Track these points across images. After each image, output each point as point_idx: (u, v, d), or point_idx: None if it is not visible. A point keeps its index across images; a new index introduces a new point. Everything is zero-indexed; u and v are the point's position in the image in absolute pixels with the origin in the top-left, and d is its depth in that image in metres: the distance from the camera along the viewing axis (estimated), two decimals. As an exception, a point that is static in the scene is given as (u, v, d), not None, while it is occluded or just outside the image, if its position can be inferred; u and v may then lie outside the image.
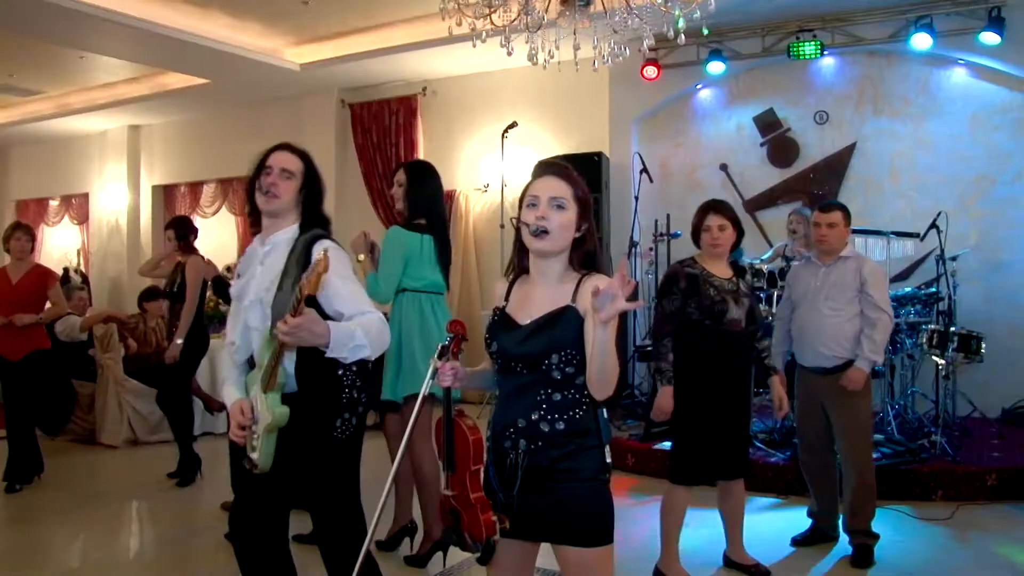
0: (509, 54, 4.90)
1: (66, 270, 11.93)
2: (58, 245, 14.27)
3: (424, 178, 4.40)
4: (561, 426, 2.22)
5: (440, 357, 2.26)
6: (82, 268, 13.12)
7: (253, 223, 2.93)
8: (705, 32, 5.01)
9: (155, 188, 12.92)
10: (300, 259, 2.70)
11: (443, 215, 4.43)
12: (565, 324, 2.21)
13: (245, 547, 2.81)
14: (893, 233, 6.38)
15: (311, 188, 2.90)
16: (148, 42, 8.81)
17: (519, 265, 2.37)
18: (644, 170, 8.24)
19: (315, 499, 2.93)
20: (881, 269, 4.57)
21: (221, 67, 9.69)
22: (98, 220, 13.18)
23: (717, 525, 4.32)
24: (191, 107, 11.71)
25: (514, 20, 4.77)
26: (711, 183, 8.51)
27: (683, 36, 4.74)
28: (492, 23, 4.82)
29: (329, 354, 2.54)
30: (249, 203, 2.89)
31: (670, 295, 3.97)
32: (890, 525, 4.85)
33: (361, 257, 4.27)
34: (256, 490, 2.79)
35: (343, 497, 2.93)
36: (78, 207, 13.90)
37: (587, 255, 2.29)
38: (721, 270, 4.02)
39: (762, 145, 8.41)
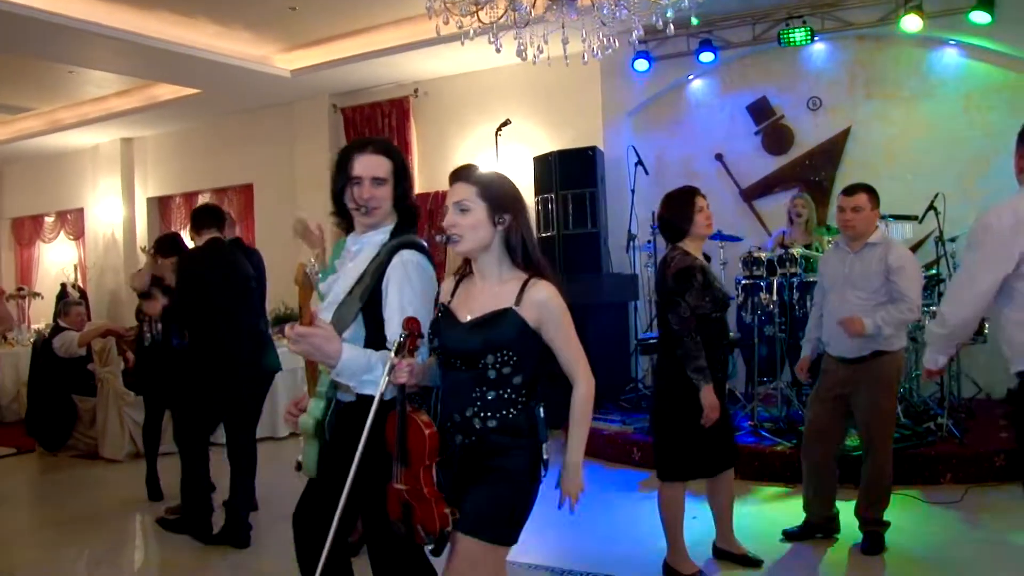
0: (498, 51, 4.88)
1: (63, 286, 11.90)
2: (55, 262, 14.24)
3: None
4: (493, 424, 2.34)
5: (396, 354, 2.26)
6: (79, 283, 13.08)
7: (341, 223, 2.78)
8: (695, 22, 4.97)
9: (150, 200, 12.89)
10: (380, 268, 2.56)
11: None
12: (504, 325, 2.33)
13: (303, 550, 2.74)
14: (891, 216, 6.33)
15: (402, 184, 2.72)
16: (136, 54, 8.78)
17: (466, 264, 2.49)
18: (639, 163, 8.21)
19: (366, 508, 2.80)
20: (911, 256, 4.34)
21: (211, 76, 9.65)
22: (94, 234, 13.13)
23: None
24: (183, 118, 11.67)
25: (501, 17, 4.74)
26: (707, 173, 8.48)
27: (672, 26, 4.70)
28: (480, 21, 4.78)
29: (334, 377, 2.46)
30: (335, 205, 2.74)
31: (691, 290, 3.82)
32: (899, 510, 4.82)
33: (315, 254, 3.93)
34: (313, 494, 2.74)
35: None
36: (73, 222, 13.87)
37: (523, 250, 2.39)
38: (701, 257, 3.99)
39: (756, 133, 8.39)
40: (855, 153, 7.98)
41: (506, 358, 2.32)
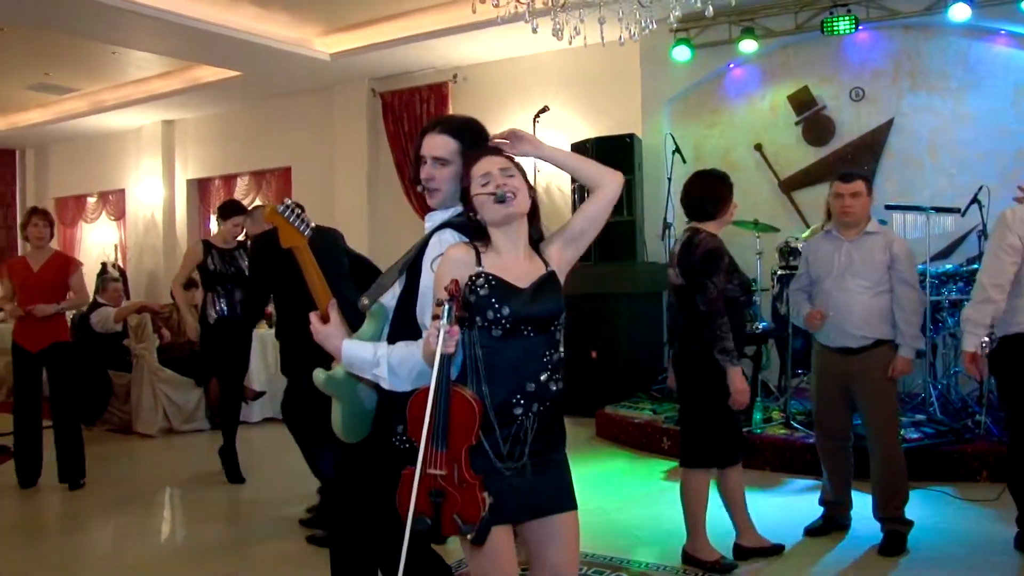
0: (534, 31, 4.83)
1: (104, 265, 12.06)
2: (97, 242, 14.44)
3: None
4: (562, 385, 2.34)
5: (446, 320, 2.11)
6: (119, 263, 13.26)
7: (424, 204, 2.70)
8: (733, 2, 4.87)
9: (189, 182, 13.01)
10: (424, 242, 2.46)
11: None
12: (557, 286, 2.37)
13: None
14: (933, 209, 6.19)
15: None
16: (178, 35, 8.86)
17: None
18: (677, 150, 8.12)
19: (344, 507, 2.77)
20: (909, 245, 4.30)
21: (251, 59, 9.71)
22: (134, 215, 13.31)
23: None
24: (223, 100, 11.76)
25: (539, -4, 4.69)
26: (745, 164, 8.36)
27: (711, 8, 4.62)
28: (517, 0, 4.74)
29: (347, 369, 2.43)
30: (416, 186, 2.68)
31: (719, 271, 3.76)
32: (931, 507, 4.73)
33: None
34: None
35: (372, 507, 2.69)
36: (115, 203, 14.05)
37: (535, 226, 2.42)
38: None
39: (797, 124, 8.25)
40: (897, 145, 7.81)
41: (563, 317, 2.38)
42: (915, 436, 5.42)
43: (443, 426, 2.14)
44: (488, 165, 2.34)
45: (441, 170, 2.52)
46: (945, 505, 4.85)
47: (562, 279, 2.42)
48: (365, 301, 2.51)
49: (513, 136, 2.42)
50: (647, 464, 6.09)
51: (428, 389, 2.14)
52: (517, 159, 2.39)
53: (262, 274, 4.83)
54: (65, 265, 5.88)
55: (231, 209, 5.95)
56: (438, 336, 2.08)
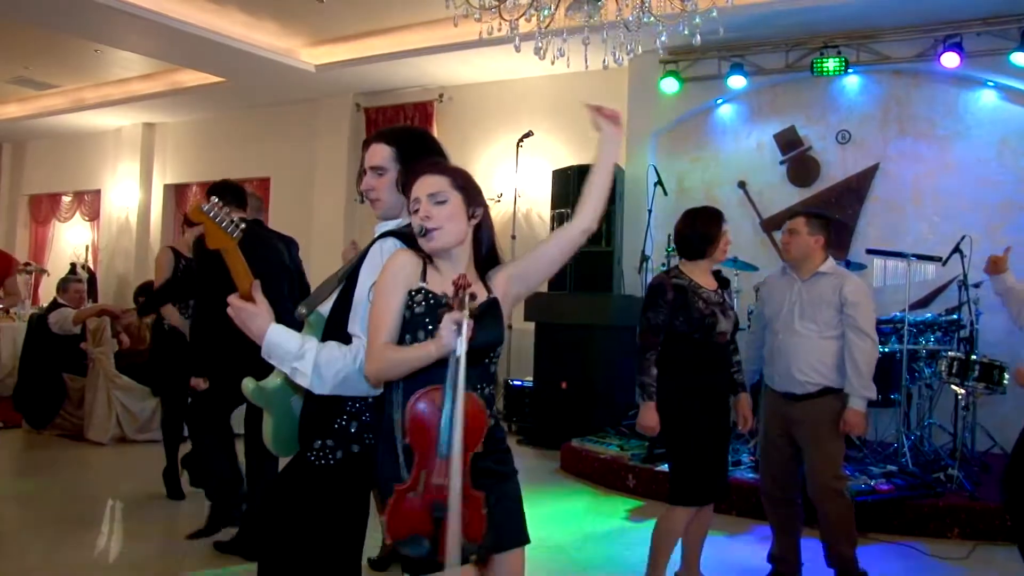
0: (517, 49, 4.70)
1: (73, 265, 11.81)
2: (69, 241, 14.20)
3: None
4: (492, 421, 2.15)
5: (461, 311, 1.93)
6: (90, 265, 13.01)
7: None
8: (721, 31, 4.76)
9: (167, 187, 12.84)
10: (364, 252, 2.36)
11: None
12: (499, 315, 2.18)
13: None
14: (914, 256, 6.11)
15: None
16: (163, 36, 8.73)
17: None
18: (659, 182, 8.02)
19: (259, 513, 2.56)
20: (865, 288, 4.10)
21: (236, 65, 9.58)
22: (108, 217, 13.10)
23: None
24: (206, 106, 11.63)
25: (522, 15, 4.57)
26: (728, 201, 8.26)
27: (699, 37, 4.51)
28: (501, 17, 4.61)
29: (264, 356, 2.24)
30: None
31: (655, 307, 3.71)
32: (899, 562, 4.58)
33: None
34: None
35: (279, 536, 2.40)
36: (90, 204, 13.84)
37: (488, 252, 2.28)
38: (708, 281, 3.80)
39: (782, 163, 8.17)
40: (881, 190, 7.73)
41: (498, 351, 2.20)
42: (885, 487, 5.27)
43: (453, 431, 1.91)
44: (420, 189, 2.19)
45: (379, 179, 2.43)
46: (914, 561, 4.69)
47: (506, 311, 2.23)
48: (303, 310, 2.37)
49: (616, 117, 2.39)
50: (611, 502, 5.90)
51: (434, 389, 1.97)
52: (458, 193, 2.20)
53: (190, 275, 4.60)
54: (3, 265, 5.48)
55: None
56: (455, 331, 1.90)
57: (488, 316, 2.11)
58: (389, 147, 2.44)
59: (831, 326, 3.97)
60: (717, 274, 3.93)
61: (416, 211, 2.16)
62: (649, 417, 3.66)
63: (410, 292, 2.12)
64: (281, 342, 2.18)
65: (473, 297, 1.95)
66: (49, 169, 14.19)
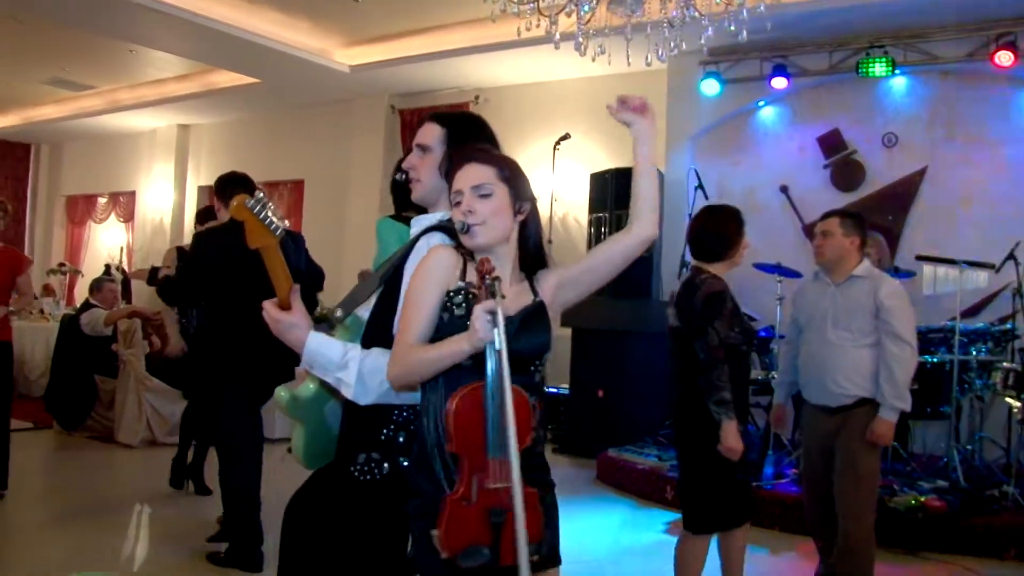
0: (556, 47, 4.55)
1: (107, 267, 11.83)
2: (105, 243, 14.27)
3: None
4: (541, 432, 1.99)
5: (492, 299, 1.77)
6: (124, 266, 13.04)
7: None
8: (768, 26, 4.58)
9: (201, 189, 12.85)
10: (408, 248, 2.18)
11: None
12: (546, 321, 1.99)
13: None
14: (966, 263, 5.87)
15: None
16: (198, 36, 8.70)
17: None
18: (700, 186, 7.82)
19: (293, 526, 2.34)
20: (903, 291, 3.85)
21: (270, 66, 9.53)
22: (143, 218, 13.15)
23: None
24: (240, 107, 11.61)
25: (562, 10, 4.42)
26: (769, 205, 8.06)
27: (745, 33, 4.34)
28: (540, 12, 4.47)
29: (305, 368, 2.10)
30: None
31: (721, 317, 3.38)
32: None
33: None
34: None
35: (318, 558, 2.24)
36: (125, 205, 13.89)
37: (535, 250, 2.09)
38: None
39: (825, 167, 7.94)
40: (929, 195, 7.48)
41: (545, 359, 2.01)
42: (937, 503, 5.05)
43: (502, 428, 1.76)
44: (463, 180, 2.00)
45: (423, 158, 2.25)
46: (967, 582, 4.49)
47: (553, 317, 2.05)
48: (339, 313, 2.15)
49: (643, 107, 2.24)
50: (649, 514, 5.73)
51: (474, 388, 1.80)
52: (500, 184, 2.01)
53: (200, 274, 4.44)
54: (13, 263, 5.34)
55: (210, 214, 5.59)
56: (489, 321, 1.73)
57: (534, 320, 1.95)
58: (441, 128, 2.28)
59: (866, 333, 3.75)
60: None
61: (458, 204, 1.99)
62: (734, 438, 3.34)
63: (448, 292, 1.95)
64: (323, 351, 2.03)
65: (498, 281, 1.78)
66: (85, 170, 14.29)
